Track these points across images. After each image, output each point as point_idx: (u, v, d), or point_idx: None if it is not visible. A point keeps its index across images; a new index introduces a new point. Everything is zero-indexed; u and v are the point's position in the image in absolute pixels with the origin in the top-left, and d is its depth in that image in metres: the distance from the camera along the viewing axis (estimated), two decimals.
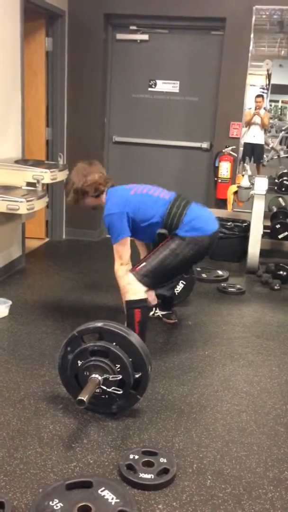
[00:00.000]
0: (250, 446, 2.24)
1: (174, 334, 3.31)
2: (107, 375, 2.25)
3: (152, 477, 1.97)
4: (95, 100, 5.09)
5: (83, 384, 2.27)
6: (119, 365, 2.27)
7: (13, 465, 2.03)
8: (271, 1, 4.66)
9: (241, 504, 1.90)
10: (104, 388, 2.26)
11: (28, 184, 3.70)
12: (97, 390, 2.26)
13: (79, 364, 2.30)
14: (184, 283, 3.63)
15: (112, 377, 2.25)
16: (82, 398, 2.11)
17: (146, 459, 2.05)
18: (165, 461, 2.05)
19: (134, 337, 2.34)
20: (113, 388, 2.25)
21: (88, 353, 2.29)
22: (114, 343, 2.30)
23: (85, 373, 2.29)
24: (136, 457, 2.06)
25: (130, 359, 2.29)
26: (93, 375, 2.26)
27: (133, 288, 2.68)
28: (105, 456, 2.11)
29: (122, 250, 2.77)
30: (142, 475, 1.97)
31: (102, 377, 2.25)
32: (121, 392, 2.26)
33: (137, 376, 2.30)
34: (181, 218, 2.76)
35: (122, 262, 2.77)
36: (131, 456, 2.07)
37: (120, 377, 2.26)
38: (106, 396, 2.30)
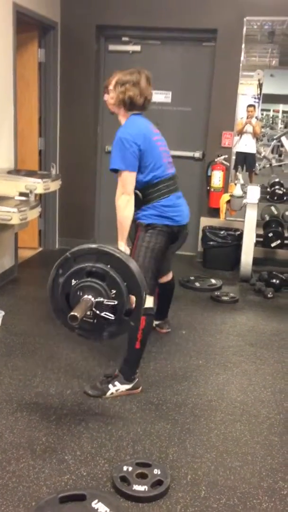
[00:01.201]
0: (244, 456, 2.23)
1: (168, 343, 3.31)
2: (102, 298, 2.14)
3: (146, 489, 1.96)
4: (87, 110, 5.12)
5: (74, 305, 2.16)
6: (115, 291, 2.16)
7: (6, 478, 2.01)
8: (262, 12, 4.71)
9: None
10: (96, 312, 2.15)
11: (21, 194, 3.70)
12: (88, 313, 2.14)
13: (73, 283, 2.18)
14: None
15: (106, 301, 2.14)
16: (75, 314, 2.02)
17: (139, 471, 2.04)
18: (159, 472, 2.04)
19: (131, 261, 2.24)
20: (105, 313, 2.15)
21: (85, 273, 2.18)
22: (109, 266, 2.18)
23: (78, 293, 2.16)
24: (130, 468, 2.05)
25: (125, 283, 2.18)
26: (87, 296, 2.14)
27: None
28: (98, 468, 2.10)
29: (127, 182, 2.60)
30: (136, 487, 1.96)
31: (96, 300, 2.14)
32: (113, 317, 2.15)
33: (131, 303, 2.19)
34: (160, 197, 2.69)
35: (124, 192, 2.61)
36: (125, 468, 2.05)
37: (115, 302, 2.15)
38: (95, 321, 2.18)
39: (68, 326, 2.24)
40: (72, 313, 2.03)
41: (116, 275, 2.16)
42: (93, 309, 2.14)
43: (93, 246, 2.22)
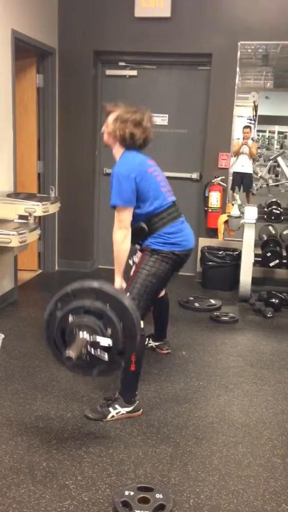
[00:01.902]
0: (247, 479, 2.21)
1: (168, 365, 3.29)
2: (97, 337, 2.15)
3: None
4: (85, 133, 5.18)
5: (69, 340, 2.18)
6: (110, 329, 2.18)
7: (6, 504, 1.98)
8: (255, 36, 4.81)
9: None
10: (91, 350, 2.16)
11: (20, 217, 3.73)
12: (82, 351, 2.16)
13: (70, 320, 2.20)
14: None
15: (101, 341, 2.15)
16: (70, 354, 2.04)
17: (141, 495, 2.01)
18: (161, 496, 2.01)
19: (129, 303, 2.25)
20: (99, 352, 2.16)
21: (83, 311, 2.20)
22: (108, 305, 2.20)
23: (74, 330, 2.18)
24: (132, 493, 2.03)
25: (121, 323, 2.20)
26: (83, 334, 2.16)
27: None
28: (99, 493, 2.07)
29: (124, 216, 2.63)
30: None
31: (92, 339, 2.15)
32: (106, 358, 2.17)
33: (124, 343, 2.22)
34: (165, 225, 2.71)
35: (121, 226, 2.64)
36: (126, 493, 2.03)
37: (110, 342, 2.17)
38: (88, 359, 2.20)
39: (59, 359, 2.28)
40: (68, 355, 2.07)
41: (113, 315, 2.19)
42: (88, 347, 2.17)
43: (95, 285, 2.26)
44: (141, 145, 2.75)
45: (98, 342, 2.16)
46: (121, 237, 2.64)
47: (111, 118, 2.72)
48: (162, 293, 3.28)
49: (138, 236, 2.74)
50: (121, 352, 2.24)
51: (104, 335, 2.17)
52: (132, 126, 2.66)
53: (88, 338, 2.16)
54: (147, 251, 2.72)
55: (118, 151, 2.76)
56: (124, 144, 2.71)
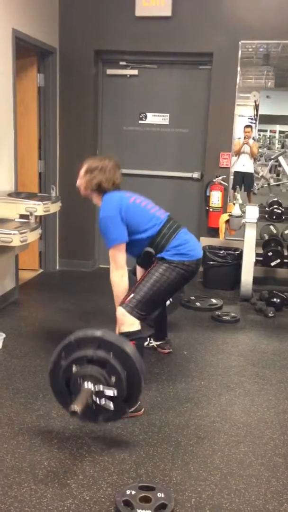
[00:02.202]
0: (248, 478, 2.21)
1: (170, 364, 3.29)
2: (102, 387, 2.17)
3: None
4: (86, 133, 5.18)
5: (74, 390, 2.21)
6: (114, 378, 2.21)
7: (7, 503, 1.98)
8: (256, 36, 4.80)
9: None
10: (96, 400, 2.18)
11: (21, 216, 3.72)
12: (87, 401, 2.18)
13: (74, 370, 2.23)
14: (171, 299, 3.58)
15: (106, 390, 2.17)
16: (75, 409, 2.06)
17: (143, 494, 2.01)
18: (162, 496, 2.01)
19: (132, 350, 2.28)
20: (104, 401, 2.18)
21: (86, 360, 2.22)
22: (111, 353, 2.23)
23: (78, 380, 2.21)
24: (133, 492, 2.02)
25: (125, 372, 2.22)
26: (87, 385, 2.18)
27: (128, 320, 2.65)
28: (101, 492, 2.07)
29: (118, 255, 2.72)
30: (139, 511, 1.93)
31: (96, 389, 2.17)
32: (112, 407, 2.19)
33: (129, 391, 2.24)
34: (169, 240, 2.76)
35: (117, 267, 2.72)
36: (128, 492, 2.03)
37: (115, 391, 2.19)
38: (94, 407, 2.22)
39: (65, 407, 2.32)
40: (72, 409, 2.09)
41: (117, 364, 2.22)
42: (93, 396, 2.20)
43: (98, 334, 2.28)
44: (116, 186, 2.85)
45: (103, 392, 2.20)
46: (118, 277, 2.74)
47: (81, 172, 2.86)
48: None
49: (148, 261, 2.81)
50: (126, 399, 2.28)
51: (108, 384, 2.21)
52: (99, 174, 2.79)
53: (92, 388, 2.20)
54: (157, 259, 2.77)
55: (97, 199, 2.88)
56: (99, 192, 2.84)
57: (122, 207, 2.73)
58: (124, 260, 2.74)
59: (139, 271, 3.15)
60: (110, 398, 2.21)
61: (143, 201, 2.87)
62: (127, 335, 2.65)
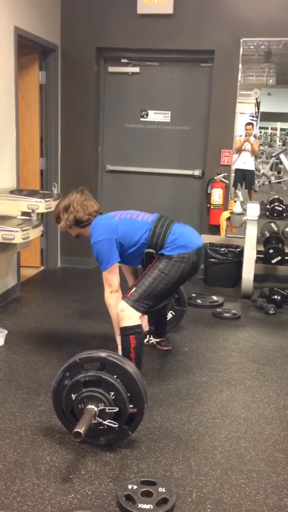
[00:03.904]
0: (249, 473, 2.22)
1: (171, 361, 3.31)
2: (103, 406, 2.23)
3: (151, 507, 1.94)
4: (88, 130, 5.19)
5: (77, 412, 2.26)
6: (113, 393, 2.25)
7: (10, 497, 2.00)
8: (258, 33, 4.80)
9: None
10: (100, 420, 2.23)
11: (23, 213, 3.74)
12: (91, 422, 2.22)
13: (74, 398, 2.28)
14: (174, 313, 3.65)
15: (108, 409, 2.23)
16: (79, 430, 2.09)
17: (144, 489, 2.03)
18: (164, 490, 2.03)
19: (136, 372, 2.33)
20: (108, 420, 2.23)
21: (81, 384, 2.27)
22: (115, 376, 2.28)
23: (80, 406, 2.26)
24: (135, 487, 2.04)
25: (128, 394, 2.27)
26: (89, 406, 2.23)
27: (127, 315, 2.68)
28: (103, 487, 2.09)
29: (111, 278, 2.79)
30: (141, 505, 1.95)
31: (98, 408, 2.23)
32: (116, 425, 2.24)
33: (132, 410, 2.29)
34: (165, 237, 2.78)
35: (112, 290, 2.80)
36: (130, 487, 2.04)
37: (117, 409, 2.24)
38: (98, 428, 2.27)
39: (67, 427, 2.35)
40: (75, 430, 2.11)
41: (120, 385, 2.26)
42: (96, 418, 2.23)
43: (102, 355, 2.32)
44: (95, 213, 2.92)
45: (106, 413, 2.23)
46: (113, 299, 2.80)
47: (61, 215, 2.93)
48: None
49: (151, 261, 2.83)
50: (129, 421, 2.31)
51: (111, 405, 2.24)
52: (73, 210, 2.87)
53: (95, 409, 2.22)
54: (158, 256, 2.80)
55: (85, 231, 2.94)
56: (83, 224, 2.91)
57: (111, 228, 2.79)
58: (117, 282, 2.80)
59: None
60: (113, 418, 2.25)
61: (128, 213, 2.92)
62: (127, 329, 2.67)
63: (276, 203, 4.74)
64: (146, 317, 3.19)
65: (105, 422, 2.23)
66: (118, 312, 2.72)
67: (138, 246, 2.82)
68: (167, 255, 2.76)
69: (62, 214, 2.92)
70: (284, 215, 4.68)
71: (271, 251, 4.59)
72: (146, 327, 3.16)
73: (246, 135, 6.03)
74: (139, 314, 2.72)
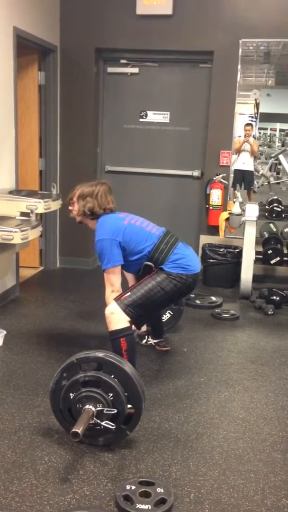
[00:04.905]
0: (247, 473, 2.23)
1: (169, 361, 3.31)
2: (101, 407, 2.23)
3: (150, 507, 1.95)
4: (87, 131, 5.19)
5: (77, 417, 2.25)
6: (111, 394, 2.25)
7: (9, 498, 2.00)
8: (257, 34, 4.81)
9: None
10: (98, 421, 2.23)
11: (22, 214, 3.74)
12: (88, 422, 2.22)
13: (72, 397, 2.28)
14: (172, 313, 3.66)
15: (106, 410, 2.23)
16: (77, 430, 2.09)
17: (143, 490, 2.03)
18: (162, 491, 2.03)
19: (133, 372, 2.33)
20: (105, 422, 2.23)
21: (80, 384, 2.27)
22: (113, 376, 2.28)
23: (78, 406, 2.26)
24: (133, 487, 2.04)
25: (126, 394, 2.28)
26: (87, 406, 2.23)
27: (116, 318, 2.66)
28: (101, 487, 2.09)
29: (113, 278, 2.78)
30: (139, 506, 1.95)
31: (96, 409, 2.23)
32: (114, 426, 2.24)
33: (130, 411, 2.29)
34: (168, 255, 2.80)
35: (113, 289, 2.78)
36: (128, 487, 2.05)
37: (116, 410, 2.24)
38: (96, 428, 2.27)
39: (65, 428, 2.36)
40: (73, 430, 2.11)
41: (118, 385, 2.26)
42: (94, 418, 2.23)
43: (99, 355, 2.33)
44: (109, 210, 2.90)
45: (104, 413, 2.23)
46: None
47: (74, 198, 2.92)
48: None
49: (148, 273, 2.84)
50: (126, 421, 2.31)
51: (109, 405, 2.24)
52: (91, 200, 2.85)
53: (93, 409, 2.23)
54: (156, 269, 2.81)
55: (91, 223, 2.94)
56: (93, 217, 2.89)
57: (118, 230, 2.79)
58: (119, 283, 2.80)
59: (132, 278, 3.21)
60: (110, 419, 2.25)
61: (138, 220, 2.92)
62: (117, 333, 2.66)
63: (275, 204, 4.74)
64: None
65: (103, 423, 2.23)
66: (107, 314, 2.69)
67: (140, 256, 2.83)
68: (167, 271, 2.78)
69: (80, 199, 2.89)
70: (283, 216, 4.69)
71: (270, 251, 4.59)
72: (144, 328, 3.15)
73: (245, 136, 6.04)
74: (128, 318, 2.70)
